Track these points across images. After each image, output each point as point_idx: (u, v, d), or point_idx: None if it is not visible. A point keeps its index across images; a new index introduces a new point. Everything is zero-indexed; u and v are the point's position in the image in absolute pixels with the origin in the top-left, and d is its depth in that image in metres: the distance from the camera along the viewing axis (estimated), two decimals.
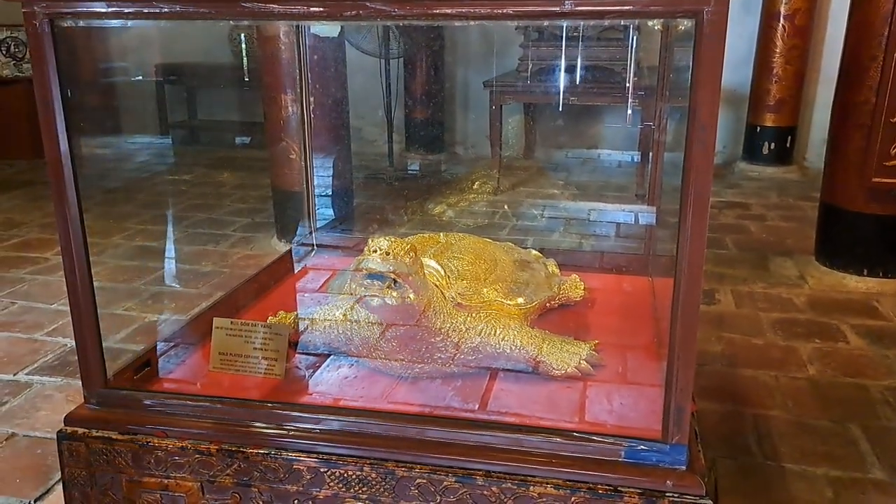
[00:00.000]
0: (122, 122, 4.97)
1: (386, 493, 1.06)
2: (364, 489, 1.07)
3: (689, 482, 0.99)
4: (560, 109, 4.03)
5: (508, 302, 1.33)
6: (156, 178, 4.32)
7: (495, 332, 1.28)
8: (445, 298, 1.28)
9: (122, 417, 1.14)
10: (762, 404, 1.90)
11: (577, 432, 1.04)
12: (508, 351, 1.27)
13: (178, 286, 2.69)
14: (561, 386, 1.25)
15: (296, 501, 1.10)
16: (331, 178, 3.27)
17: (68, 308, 1.13)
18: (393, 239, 1.13)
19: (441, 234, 1.57)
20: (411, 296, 1.11)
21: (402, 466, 1.05)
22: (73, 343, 1.15)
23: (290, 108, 2.97)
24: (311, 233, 1.91)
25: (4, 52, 4.86)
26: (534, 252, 1.66)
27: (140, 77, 5.00)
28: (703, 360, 2.11)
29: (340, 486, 1.07)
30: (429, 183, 4.13)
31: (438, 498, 1.04)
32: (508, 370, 1.29)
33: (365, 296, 1.09)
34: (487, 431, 1.05)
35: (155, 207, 3.73)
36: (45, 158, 1.07)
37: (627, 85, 3.55)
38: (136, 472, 1.13)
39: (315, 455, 1.08)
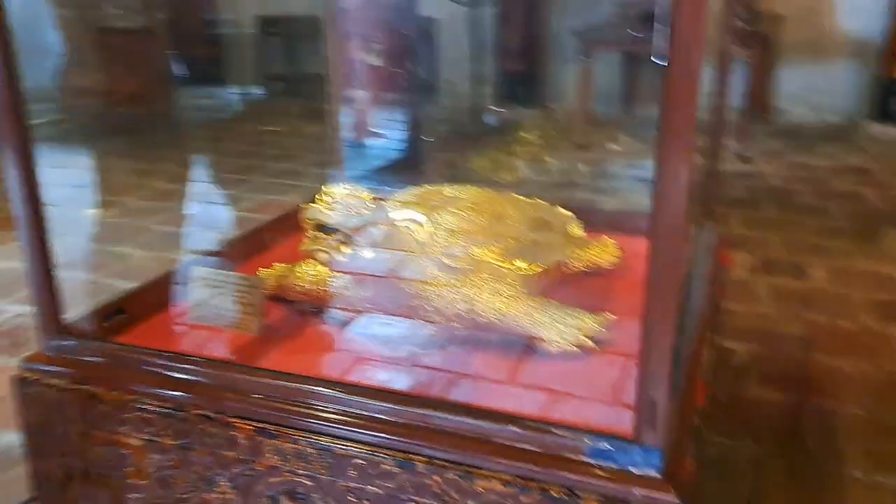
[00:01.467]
0: (223, 73, 5.05)
1: (323, 471, 0.95)
2: (301, 464, 0.96)
3: (661, 491, 0.81)
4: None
5: (504, 264, 1.17)
6: (245, 126, 4.36)
7: (482, 297, 1.13)
8: (429, 258, 1.14)
9: (72, 366, 1.09)
10: (835, 397, 1.65)
11: (532, 420, 0.88)
12: (495, 320, 1.12)
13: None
14: (551, 364, 1.09)
15: (235, 470, 1.00)
16: (405, 130, 3.17)
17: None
18: (352, 187, 1.00)
19: (448, 186, 1.42)
20: (366, 253, 0.98)
21: (340, 442, 0.93)
22: None
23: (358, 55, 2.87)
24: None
25: None
26: (562, 211, 1.48)
27: (241, 29, 5.06)
28: (775, 343, 1.87)
29: (278, 458, 0.97)
30: (504, 138, 3.94)
31: (376, 482, 0.92)
32: (502, 343, 1.14)
33: (311, 250, 0.97)
34: (431, 411, 0.92)
35: (241, 157, 3.75)
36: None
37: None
38: (85, 424, 1.07)
39: (252, 423, 0.98)
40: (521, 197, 1.51)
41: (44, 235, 1.07)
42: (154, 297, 1.29)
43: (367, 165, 3.08)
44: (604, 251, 1.42)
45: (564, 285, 1.33)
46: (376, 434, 0.92)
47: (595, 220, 1.60)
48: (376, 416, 0.94)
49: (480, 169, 3.13)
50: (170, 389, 1.03)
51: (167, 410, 1.02)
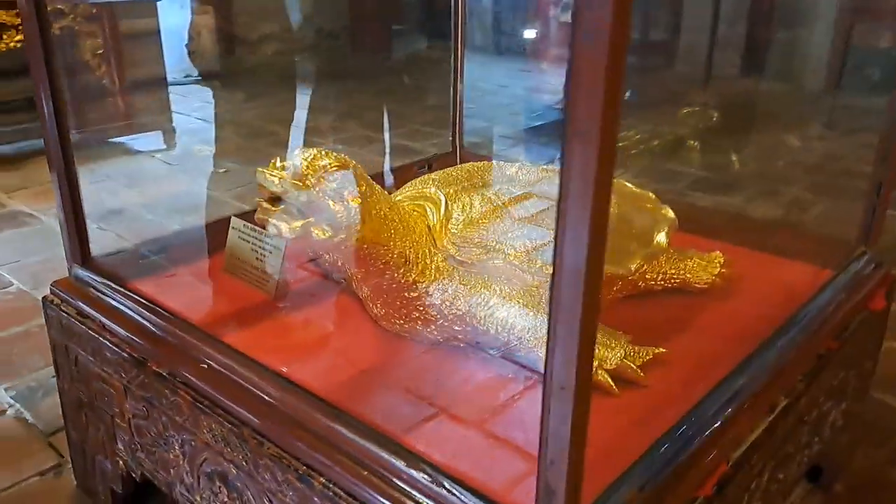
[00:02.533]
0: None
1: (244, 462, 0.86)
2: (227, 448, 0.88)
3: None
4: None
5: (521, 267, 0.98)
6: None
7: (487, 302, 0.96)
8: (435, 246, 0.99)
9: (83, 297, 1.10)
10: None
11: (429, 465, 0.72)
12: (495, 332, 0.95)
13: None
14: (525, 399, 0.90)
15: (183, 436, 0.96)
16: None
17: None
18: (324, 152, 0.88)
19: (506, 164, 1.23)
20: (323, 231, 0.86)
21: (255, 438, 0.84)
22: None
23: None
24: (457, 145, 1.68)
25: None
26: (666, 212, 1.22)
27: None
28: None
29: (211, 436, 0.90)
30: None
31: (280, 493, 0.82)
32: (506, 357, 0.97)
33: (260, 219, 0.87)
34: (335, 423, 0.78)
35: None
36: None
37: None
38: (87, 357, 1.09)
39: (192, 393, 0.92)
40: (628, 185, 1.28)
41: (73, 174, 1.08)
42: (204, 241, 1.28)
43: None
44: (703, 267, 1.15)
45: (623, 303, 1.11)
46: (291, 439, 0.81)
47: (723, 229, 1.33)
48: (294, 419, 0.83)
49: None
50: (139, 339, 1.00)
51: (136, 359, 0.99)
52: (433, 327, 1.00)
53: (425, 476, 0.71)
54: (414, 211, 1.01)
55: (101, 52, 2.64)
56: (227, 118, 3.29)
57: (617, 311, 1.09)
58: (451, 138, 1.68)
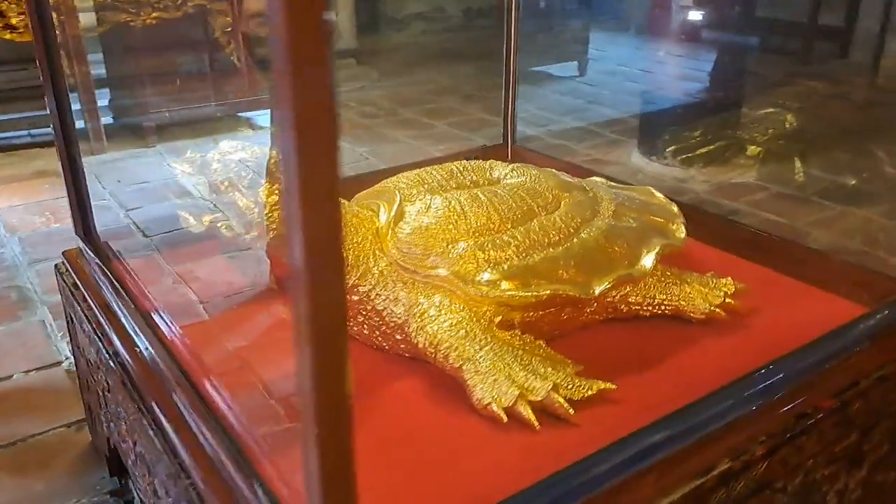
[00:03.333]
0: None
1: (153, 448, 0.87)
2: (149, 447, 0.90)
3: None
4: None
5: (466, 278, 0.90)
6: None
7: (422, 313, 0.91)
8: (381, 250, 0.94)
9: (79, 272, 1.16)
10: None
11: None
12: (423, 347, 0.89)
13: None
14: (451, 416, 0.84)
15: (125, 414, 0.99)
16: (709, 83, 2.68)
17: None
18: (241, 147, 0.86)
19: (502, 164, 1.14)
20: (232, 227, 0.84)
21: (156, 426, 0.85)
22: None
23: None
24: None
25: None
26: (676, 229, 1.09)
27: None
28: None
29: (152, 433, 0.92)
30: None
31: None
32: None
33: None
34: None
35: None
36: None
37: None
38: (78, 325, 1.16)
39: (123, 373, 0.94)
40: (657, 193, 1.16)
41: (76, 152, 1.14)
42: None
43: (671, 129, 2.69)
44: (702, 294, 1.02)
45: (599, 327, 1.01)
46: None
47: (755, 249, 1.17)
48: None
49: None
50: (102, 314, 1.04)
51: (98, 335, 1.03)
52: (378, 334, 0.97)
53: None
54: (363, 211, 0.97)
55: (229, 29, 2.79)
56: (353, 96, 3.36)
57: (583, 336, 1.00)
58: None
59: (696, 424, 0.78)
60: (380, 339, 0.96)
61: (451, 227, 0.94)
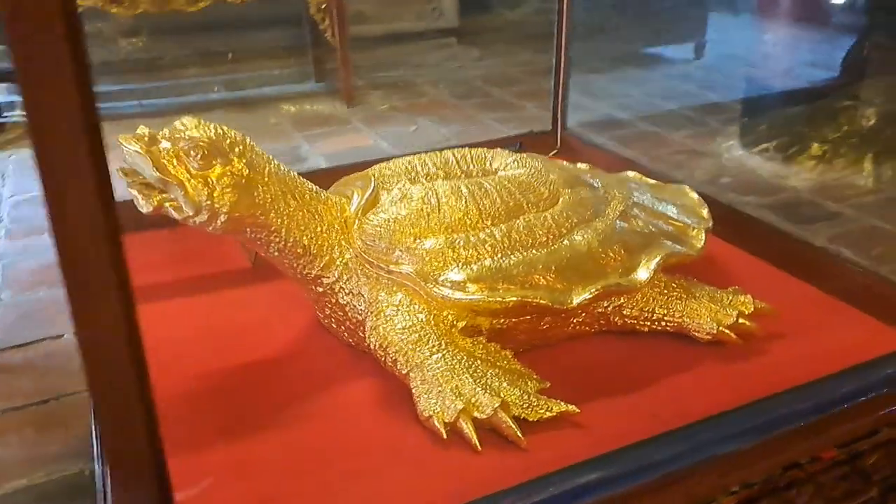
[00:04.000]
0: None
1: None
2: None
3: None
4: None
5: (425, 280, 0.83)
6: None
7: (378, 312, 0.85)
8: (348, 241, 0.89)
9: None
10: None
11: None
12: (374, 347, 0.83)
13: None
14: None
15: None
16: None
17: None
18: (203, 123, 0.82)
19: (506, 153, 1.04)
20: (180, 209, 0.81)
21: None
22: None
23: None
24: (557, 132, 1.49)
25: None
26: (687, 234, 0.97)
27: None
28: None
29: None
30: None
31: None
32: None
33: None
34: None
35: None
36: None
37: None
38: None
39: None
40: (692, 192, 1.05)
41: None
42: None
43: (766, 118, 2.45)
44: (711, 312, 0.90)
45: (591, 339, 0.91)
46: None
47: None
48: None
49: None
50: None
51: None
52: (343, 329, 0.92)
53: None
54: (333, 197, 0.91)
55: (324, 6, 2.80)
56: (449, 76, 3.30)
57: (569, 349, 0.91)
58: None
59: (646, 466, 0.68)
60: (345, 334, 0.91)
61: (422, 220, 0.87)
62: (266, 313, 1.00)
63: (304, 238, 0.87)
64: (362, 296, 0.88)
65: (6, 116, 3.00)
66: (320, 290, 0.90)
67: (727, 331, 0.89)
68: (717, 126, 2.67)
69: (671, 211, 1.00)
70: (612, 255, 0.88)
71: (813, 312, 0.97)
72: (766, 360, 0.88)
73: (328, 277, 0.89)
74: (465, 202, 0.88)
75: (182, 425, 0.78)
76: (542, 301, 0.82)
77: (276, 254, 0.87)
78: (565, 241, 0.88)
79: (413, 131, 2.70)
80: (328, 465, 0.74)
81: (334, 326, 0.93)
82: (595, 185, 1.00)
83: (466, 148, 1.04)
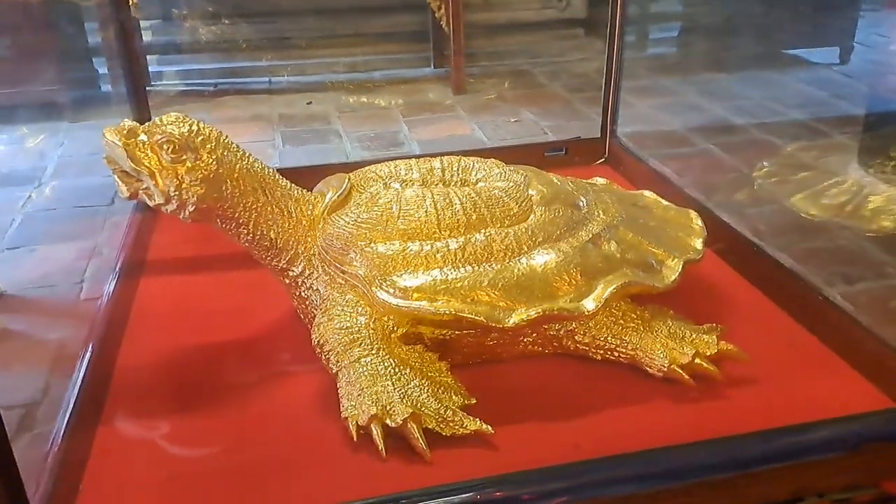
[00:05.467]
0: None
1: None
2: None
3: None
4: None
5: (369, 284, 0.85)
6: None
7: (325, 312, 0.88)
8: (312, 237, 0.93)
9: None
10: None
11: None
12: (313, 345, 0.87)
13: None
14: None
15: None
16: None
17: None
18: (181, 119, 0.88)
19: (496, 164, 1.03)
20: (153, 197, 0.88)
21: None
22: None
23: None
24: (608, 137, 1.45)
25: None
26: (664, 263, 0.92)
27: None
28: None
29: None
30: None
31: None
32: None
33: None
34: None
35: None
36: None
37: None
38: None
39: None
40: (696, 222, 1.01)
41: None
42: None
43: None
44: (666, 348, 0.86)
45: (545, 361, 0.90)
46: None
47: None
48: None
49: None
50: None
51: None
52: (307, 321, 0.96)
53: None
54: (308, 195, 0.95)
55: None
56: (569, 67, 3.24)
57: (519, 367, 0.90)
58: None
59: (510, 499, 0.67)
60: (309, 326, 0.96)
61: (380, 225, 0.89)
62: (257, 298, 1.06)
63: (272, 232, 0.91)
64: (319, 292, 0.91)
65: (153, 85, 3.28)
66: (287, 281, 0.95)
67: (679, 370, 0.85)
68: (845, 140, 2.46)
69: (659, 239, 0.96)
70: (567, 278, 0.86)
71: (796, 360, 0.91)
72: (718, 405, 0.84)
73: (293, 271, 0.93)
74: (426, 211, 0.89)
75: (125, 393, 0.86)
76: (476, 318, 0.82)
77: (247, 244, 0.93)
78: (522, 260, 0.87)
79: (513, 122, 2.69)
80: (243, 449, 0.79)
81: (301, 317, 0.97)
82: (580, 204, 0.97)
83: (458, 157, 1.05)
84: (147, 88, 3.22)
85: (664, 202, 1.10)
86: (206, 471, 0.76)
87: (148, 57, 3.26)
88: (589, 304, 0.85)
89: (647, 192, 1.13)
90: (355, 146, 2.56)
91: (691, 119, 2.57)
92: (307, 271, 0.92)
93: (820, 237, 1.33)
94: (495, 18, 3.31)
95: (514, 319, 0.83)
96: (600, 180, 1.16)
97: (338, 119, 2.81)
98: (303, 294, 0.93)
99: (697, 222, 1.04)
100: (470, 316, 0.83)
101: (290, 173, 0.96)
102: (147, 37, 3.22)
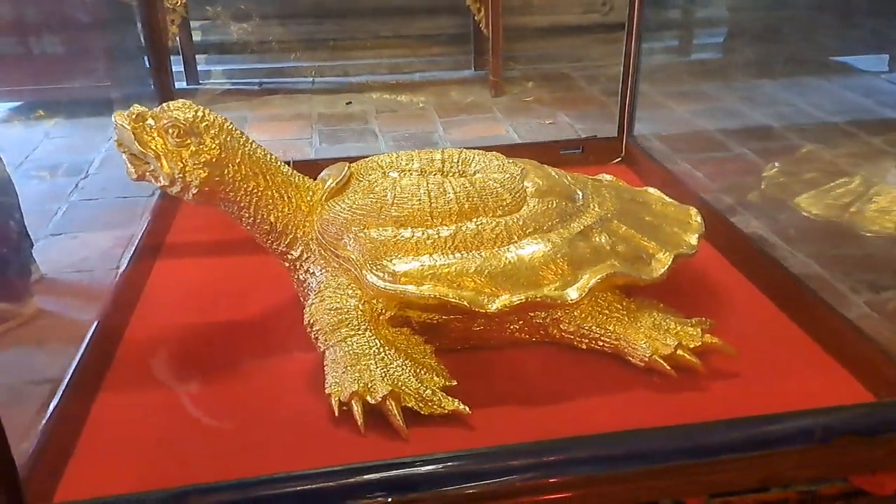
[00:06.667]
0: None
1: None
2: None
3: None
4: None
5: (361, 267, 0.88)
6: None
7: (319, 294, 0.92)
8: (310, 223, 0.96)
9: None
10: None
11: None
12: (305, 324, 0.91)
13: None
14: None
15: None
16: None
17: None
18: (189, 105, 0.92)
19: (496, 156, 1.05)
20: (159, 179, 0.92)
21: None
22: None
23: None
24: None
25: None
26: (654, 257, 0.93)
27: None
28: None
29: None
30: None
31: None
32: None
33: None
34: None
35: None
36: None
37: None
38: None
39: None
40: (693, 221, 1.02)
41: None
42: None
43: None
44: (649, 339, 0.87)
45: (534, 349, 0.92)
46: None
47: None
48: None
49: None
50: None
51: None
52: (305, 303, 0.99)
53: None
54: (308, 181, 0.99)
55: None
56: (606, 71, 3.23)
57: (507, 354, 0.92)
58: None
59: (473, 472, 0.69)
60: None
61: (374, 212, 0.92)
62: (264, 281, 1.11)
63: (271, 216, 0.95)
64: (315, 275, 0.95)
65: (201, 83, 3.38)
66: (286, 264, 0.98)
67: (660, 360, 0.85)
68: (886, 147, 2.40)
69: (653, 233, 0.97)
70: (553, 267, 0.88)
71: (785, 356, 0.91)
72: (697, 396, 0.84)
73: (292, 254, 0.97)
74: (420, 199, 0.92)
75: (126, 366, 0.91)
76: (460, 302, 0.85)
77: (248, 228, 0.97)
78: (511, 249, 0.89)
79: (548, 124, 2.70)
80: (231, 419, 0.83)
81: (301, 300, 1.01)
82: (576, 197, 0.99)
83: (458, 150, 1.07)
84: (195, 86, 3.34)
85: (667, 199, 1.11)
86: (192, 436, 0.80)
87: (197, 56, 3.37)
88: (572, 292, 0.86)
89: (650, 189, 1.13)
90: (390, 145, 2.60)
91: (729, 123, 2.54)
92: (305, 255, 0.96)
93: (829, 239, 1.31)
94: (537, 22, 3.32)
95: (496, 305, 0.85)
96: (607, 177, 1.17)
97: (375, 119, 2.86)
98: (300, 277, 0.97)
99: (696, 219, 1.04)
100: (454, 300, 0.85)
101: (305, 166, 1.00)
102: (197, 37, 3.33)
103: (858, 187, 1.23)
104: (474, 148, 1.09)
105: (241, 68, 3.41)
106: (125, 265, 1.09)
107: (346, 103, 3.04)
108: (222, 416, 0.84)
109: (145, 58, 3.00)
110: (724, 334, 0.93)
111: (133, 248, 1.14)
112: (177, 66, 3.22)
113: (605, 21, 3.45)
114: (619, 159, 1.42)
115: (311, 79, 3.36)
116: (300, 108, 3.03)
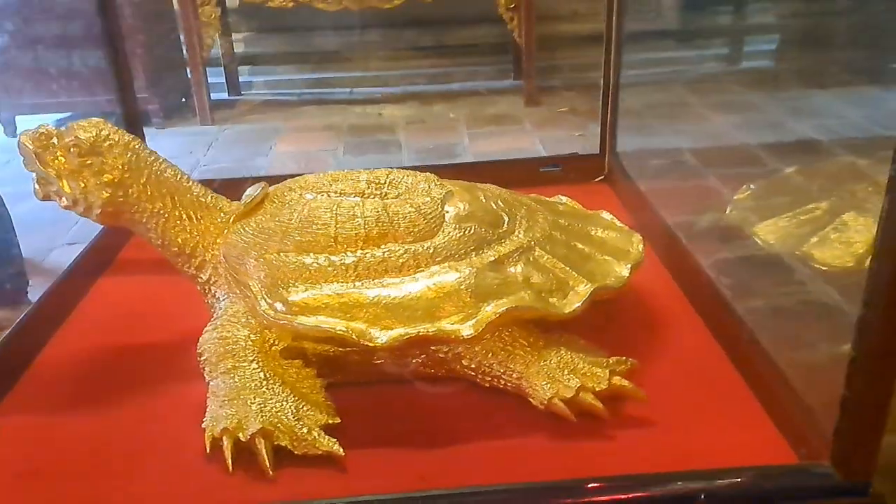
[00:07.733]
0: None
1: None
2: None
3: None
4: None
5: (253, 295, 0.84)
6: None
7: (215, 321, 0.88)
8: (217, 242, 0.93)
9: None
10: None
11: None
12: (197, 352, 0.87)
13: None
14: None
15: None
16: None
17: None
18: (87, 125, 0.90)
19: (428, 177, 0.99)
20: (61, 199, 0.91)
21: None
22: None
23: None
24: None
25: None
26: (572, 286, 0.86)
27: None
28: None
29: None
30: None
31: None
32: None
33: None
34: None
35: None
36: None
37: None
38: None
39: None
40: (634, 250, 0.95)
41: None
42: None
43: None
44: (552, 379, 0.80)
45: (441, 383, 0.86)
46: None
47: None
48: None
49: None
50: None
51: None
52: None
53: None
54: (222, 201, 0.96)
55: (513, 5, 2.79)
56: (649, 80, 3.11)
57: (398, 391, 0.86)
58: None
59: None
60: None
61: (277, 236, 0.88)
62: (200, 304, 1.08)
63: (179, 238, 0.93)
64: (220, 300, 0.92)
65: (243, 94, 3.43)
66: (199, 287, 0.96)
67: (560, 404, 0.78)
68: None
69: (580, 263, 0.89)
70: (455, 299, 0.82)
71: (714, 405, 0.81)
72: (595, 445, 0.76)
73: (201, 278, 0.94)
74: (326, 224, 0.88)
75: (29, 388, 0.90)
76: (347, 334, 0.80)
77: (159, 249, 0.95)
78: (417, 278, 0.84)
79: (578, 136, 2.61)
80: (105, 450, 0.81)
81: (206, 298, 0.97)
82: (501, 222, 0.92)
83: (388, 170, 1.02)
84: (236, 97, 3.39)
85: (618, 223, 1.03)
86: (55, 470, 0.78)
87: (241, 67, 3.43)
88: (466, 329, 0.80)
89: (604, 214, 1.06)
90: (412, 157, 2.57)
91: (767, 136, 2.39)
92: (213, 279, 0.93)
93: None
94: (578, 30, 3.24)
95: (385, 339, 0.79)
96: (563, 199, 1.10)
97: (403, 130, 2.84)
98: (209, 301, 0.94)
99: (638, 247, 0.96)
100: (340, 332, 0.80)
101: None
102: (239, 48, 3.39)
103: (825, 215, 1.10)
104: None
105: (282, 79, 3.46)
106: (56, 282, 1.09)
107: (378, 114, 3.03)
108: (97, 448, 0.81)
109: (186, 70, 3.07)
110: (654, 377, 0.85)
111: (70, 265, 1.14)
112: (219, 78, 3.29)
113: (653, 28, 3.33)
114: (602, 178, 1.34)
115: (348, 89, 3.36)
116: (333, 118, 3.04)
